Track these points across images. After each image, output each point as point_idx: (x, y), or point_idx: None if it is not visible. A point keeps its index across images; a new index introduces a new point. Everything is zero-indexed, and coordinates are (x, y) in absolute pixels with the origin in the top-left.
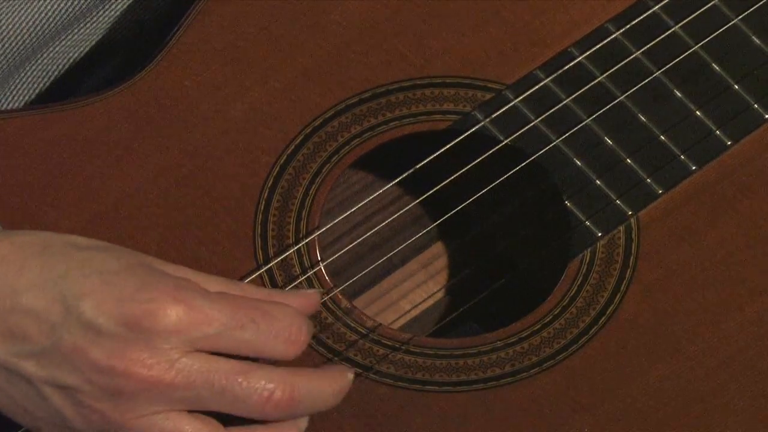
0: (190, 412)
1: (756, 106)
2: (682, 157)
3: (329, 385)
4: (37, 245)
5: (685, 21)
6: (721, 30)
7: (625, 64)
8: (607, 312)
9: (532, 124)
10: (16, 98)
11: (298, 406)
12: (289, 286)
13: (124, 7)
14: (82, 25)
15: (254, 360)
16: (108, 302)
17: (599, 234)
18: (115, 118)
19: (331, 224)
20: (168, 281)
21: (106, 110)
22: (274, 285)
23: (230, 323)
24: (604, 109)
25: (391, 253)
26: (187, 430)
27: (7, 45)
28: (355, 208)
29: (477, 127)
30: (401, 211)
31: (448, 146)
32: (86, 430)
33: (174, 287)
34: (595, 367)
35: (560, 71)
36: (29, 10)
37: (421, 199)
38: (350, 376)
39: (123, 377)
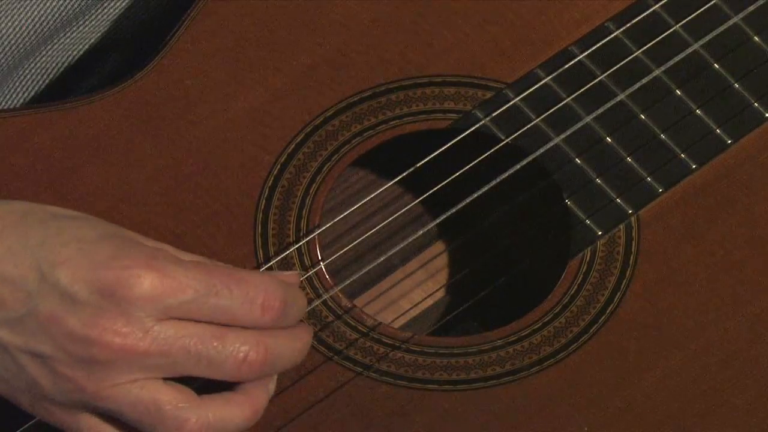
0: (166, 379)
1: (756, 104)
2: (683, 155)
3: (297, 342)
4: (15, 213)
5: (685, 20)
6: (721, 29)
7: (626, 63)
8: (608, 311)
9: (532, 123)
10: (14, 97)
11: (272, 366)
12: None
13: (123, 5)
14: (80, 23)
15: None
16: (83, 270)
17: (599, 233)
18: (115, 118)
19: (332, 223)
20: (142, 250)
21: (106, 109)
22: None
23: (204, 290)
24: (604, 108)
25: (392, 252)
26: (163, 399)
27: (6, 44)
28: (355, 207)
29: (477, 125)
30: (402, 210)
31: (448, 145)
32: (61, 400)
33: (148, 255)
34: (596, 366)
35: (561, 70)
36: (28, 9)
37: (421, 198)
38: (311, 332)
39: (97, 346)
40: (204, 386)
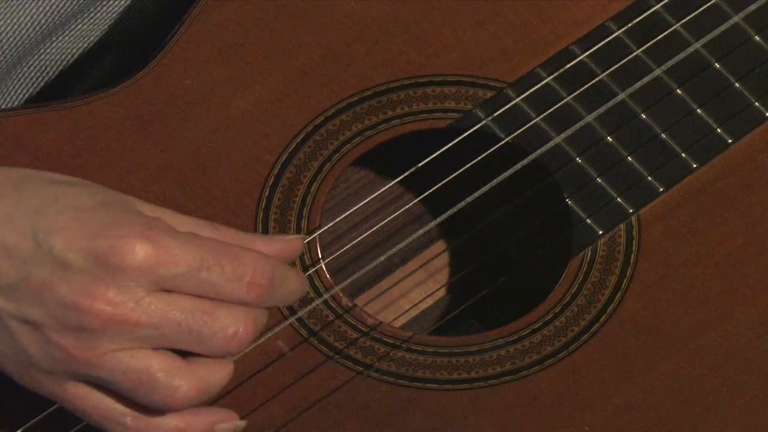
0: (154, 349)
1: (757, 104)
2: (683, 155)
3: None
4: (13, 180)
5: (686, 19)
6: (722, 28)
7: (626, 62)
8: (608, 310)
9: (533, 122)
10: (13, 96)
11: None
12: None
13: (124, 4)
14: (79, 21)
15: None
16: (78, 238)
17: (600, 232)
18: (115, 117)
19: (333, 222)
20: (139, 219)
21: (106, 109)
22: None
23: (196, 264)
24: (605, 107)
25: (392, 251)
26: (155, 366)
27: (4, 42)
28: (356, 207)
29: (478, 125)
30: (402, 210)
31: (449, 145)
32: (50, 368)
33: (144, 226)
34: (597, 365)
35: (561, 69)
36: (26, 7)
37: (422, 197)
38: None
39: (87, 314)
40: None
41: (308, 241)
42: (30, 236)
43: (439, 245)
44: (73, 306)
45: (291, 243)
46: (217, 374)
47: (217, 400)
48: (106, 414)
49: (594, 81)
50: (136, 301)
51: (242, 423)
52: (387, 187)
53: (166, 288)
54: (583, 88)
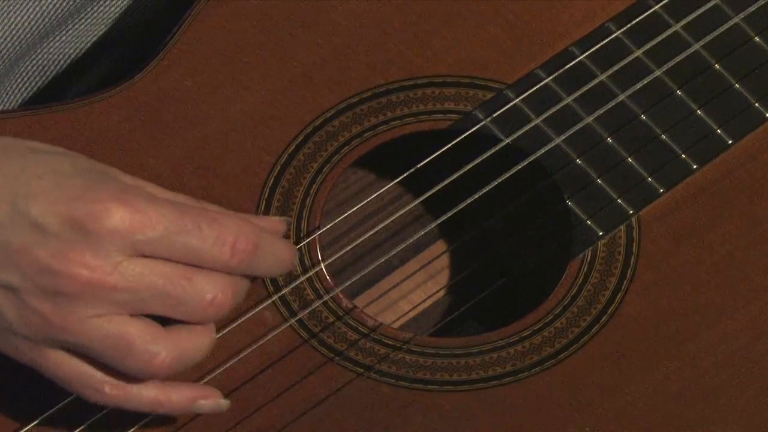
0: (133, 315)
1: (757, 104)
2: (683, 156)
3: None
4: None
5: (686, 20)
6: (722, 29)
7: (626, 63)
8: (609, 311)
9: (533, 123)
10: (11, 98)
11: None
12: (290, 286)
13: (123, 4)
14: (77, 22)
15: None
16: (56, 203)
17: (600, 233)
18: (114, 119)
19: (332, 224)
20: (117, 184)
21: (105, 110)
22: (275, 285)
23: (174, 227)
24: (605, 108)
25: (392, 253)
26: (132, 333)
27: (2, 44)
28: (355, 208)
29: (478, 126)
30: (402, 211)
31: (448, 146)
32: (28, 334)
33: (121, 190)
34: (597, 366)
35: (561, 70)
36: (24, 8)
37: (421, 198)
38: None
39: (64, 278)
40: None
41: (308, 242)
42: (9, 201)
43: (439, 246)
44: (49, 270)
45: (275, 223)
46: (197, 343)
47: None
48: (84, 381)
49: (594, 82)
50: (114, 265)
51: (225, 402)
52: (387, 188)
53: (144, 253)
54: (583, 89)
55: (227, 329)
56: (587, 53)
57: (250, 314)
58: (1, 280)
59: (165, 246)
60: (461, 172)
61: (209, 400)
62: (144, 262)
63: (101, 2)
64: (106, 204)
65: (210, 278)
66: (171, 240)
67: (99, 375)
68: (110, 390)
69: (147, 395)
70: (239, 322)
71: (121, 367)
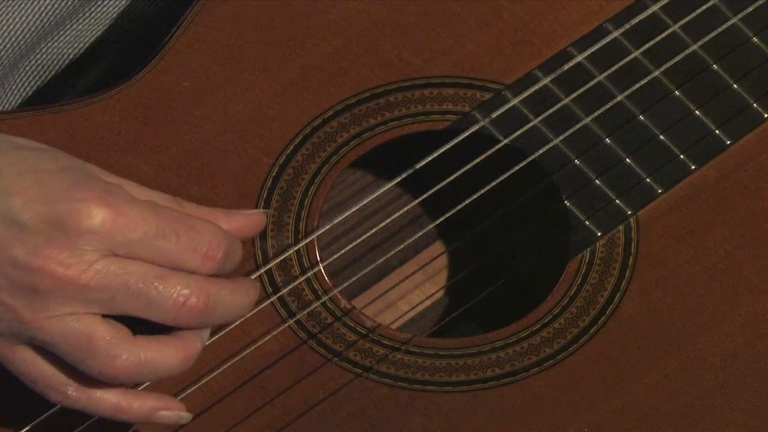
0: (104, 316)
1: (755, 105)
2: (682, 156)
3: (242, 296)
4: None
5: (684, 20)
6: (720, 29)
7: (625, 63)
8: (607, 311)
9: (531, 123)
10: (10, 99)
11: (211, 314)
12: (288, 287)
13: (122, 4)
14: (74, 22)
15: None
16: (36, 201)
17: (599, 233)
18: (114, 119)
19: (331, 225)
20: (99, 185)
21: (105, 111)
22: (273, 286)
23: (152, 231)
24: (603, 109)
25: (391, 254)
26: (97, 334)
27: (1, 45)
28: (354, 209)
29: (476, 127)
30: (401, 212)
31: (447, 146)
32: (1, 331)
33: (103, 190)
34: (595, 367)
35: (559, 71)
36: (22, 9)
37: (420, 199)
38: (258, 289)
39: (39, 274)
40: (140, 331)
41: (306, 243)
42: None
43: (438, 247)
44: (25, 266)
45: (252, 216)
46: (165, 355)
47: (214, 402)
48: (49, 382)
49: (592, 82)
50: (89, 264)
51: (187, 415)
52: (385, 189)
53: (120, 253)
54: (581, 90)
55: (225, 330)
56: (585, 54)
57: (249, 315)
58: None
59: (143, 248)
60: (460, 172)
61: (171, 412)
62: (119, 261)
63: (99, 3)
64: (87, 204)
65: (183, 280)
66: (148, 242)
67: (63, 377)
68: (73, 392)
69: (109, 401)
70: (237, 323)
71: (83, 367)
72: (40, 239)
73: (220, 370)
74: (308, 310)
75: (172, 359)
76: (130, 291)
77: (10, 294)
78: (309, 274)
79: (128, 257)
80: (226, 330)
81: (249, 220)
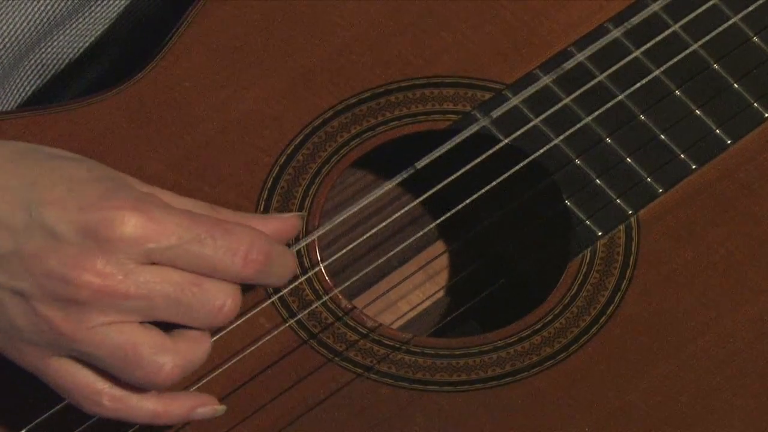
0: (141, 322)
1: (756, 104)
2: (682, 156)
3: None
4: (14, 153)
5: (684, 20)
6: (720, 29)
7: (625, 63)
8: (608, 311)
9: (532, 123)
10: (10, 99)
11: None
12: (289, 287)
13: (119, 4)
14: (75, 21)
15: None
16: (70, 211)
17: (599, 233)
18: (113, 119)
19: (331, 224)
20: (131, 193)
21: (105, 111)
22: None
23: (188, 236)
24: (603, 109)
25: (391, 254)
26: (141, 343)
27: (1, 45)
28: (354, 209)
29: (477, 126)
30: (401, 211)
31: (447, 146)
32: (36, 341)
33: (136, 198)
34: (596, 367)
35: (560, 71)
36: (22, 9)
37: (421, 199)
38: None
39: (76, 285)
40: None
41: (307, 242)
42: (23, 208)
43: (439, 247)
44: (62, 278)
45: (288, 220)
46: (199, 351)
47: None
48: (84, 392)
49: (593, 82)
50: (125, 273)
51: (221, 407)
52: (386, 188)
53: (156, 261)
54: (581, 89)
55: (226, 330)
56: (586, 53)
57: (250, 315)
58: (12, 287)
59: (178, 255)
60: (460, 172)
61: (207, 408)
62: (155, 270)
63: (100, 2)
64: (121, 212)
65: (219, 285)
66: (184, 249)
67: (99, 386)
68: (109, 402)
69: (146, 407)
70: (238, 323)
71: (127, 377)
72: (76, 250)
73: (221, 369)
74: (309, 309)
75: (202, 352)
76: (168, 299)
77: (47, 306)
78: (310, 273)
79: (165, 264)
80: (227, 330)
81: (284, 224)
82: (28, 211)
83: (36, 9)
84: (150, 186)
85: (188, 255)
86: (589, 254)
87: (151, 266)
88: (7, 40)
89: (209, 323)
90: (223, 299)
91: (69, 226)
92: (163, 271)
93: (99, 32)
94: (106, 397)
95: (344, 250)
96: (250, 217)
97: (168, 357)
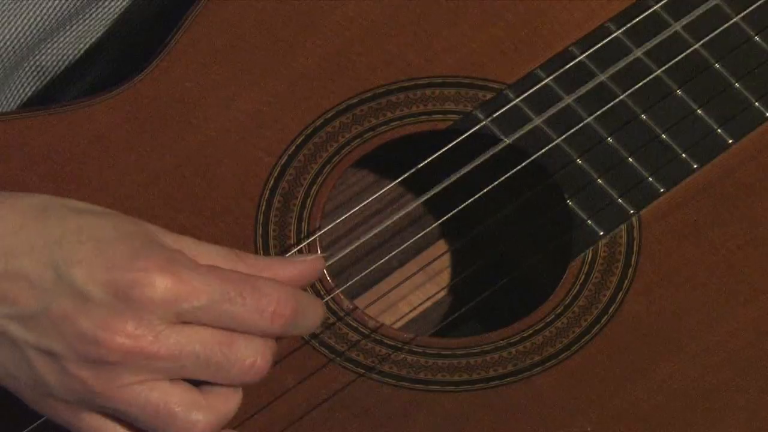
0: (172, 380)
1: (757, 104)
2: (684, 155)
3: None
4: (36, 208)
5: (685, 20)
6: (721, 28)
7: (626, 63)
8: (610, 311)
9: (533, 123)
10: (10, 100)
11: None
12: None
13: (120, 5)
14: (76, 23)
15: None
16: (98, 271)
17: (601, 233)
18: (115, 120)
19: (333, 225)
20: (161, 252)
21: (106, 111)
22: None
23: (217, 297)
24: (605, 108)
25: (393, 254)
26: (173, 401)
27: (1, 47)
28: (356, 209)
29: (478, 126)
30: (403, 212)
31: (449, 146)
32: (67, 398)
33: (165, 259)
34: (598, 366)
35: (561, 70)
36: (23, 10)
37: (422, 199)
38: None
39: (107, 347)
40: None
41: (308, 243)
42: (51, 267)
43: (440, 247)
44: (93, 339)
45: (312, 263)
46: (231, 405)
47: None
48: None
49: (594, 82)
50: (156, 335)
51: None
52: (387, 189)
53: (186, 321)
54: (583, 89)
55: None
56: (587, 53)
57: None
58: (42, 346)
59: (207, 314)
60: (461, 172)
61: None
62: (185, 330)
63: (100, 4)
64: (150, 273)
65: (249, 343)
66: (213, 308)
67: None
68: None
69: None
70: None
71: None
72: (106, 311)
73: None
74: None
75: (235, 405)
76: (198, 359)
77: (79, 366)
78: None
79: (195, 323)
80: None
81: (309, 266)
82: (56, 270)
83: (37, 11)
84: (177, 236)
85: (217, 314)
86: (590, 254)
87: (181, 326)
88: (8, 41)
89: (240, 381)
90: (253, 357)
91: (98, 286)
92: (193, 330)
93: (99, 34)
94: None
95: (346, 250)
96: (274, 262)
97: (201, 414)
